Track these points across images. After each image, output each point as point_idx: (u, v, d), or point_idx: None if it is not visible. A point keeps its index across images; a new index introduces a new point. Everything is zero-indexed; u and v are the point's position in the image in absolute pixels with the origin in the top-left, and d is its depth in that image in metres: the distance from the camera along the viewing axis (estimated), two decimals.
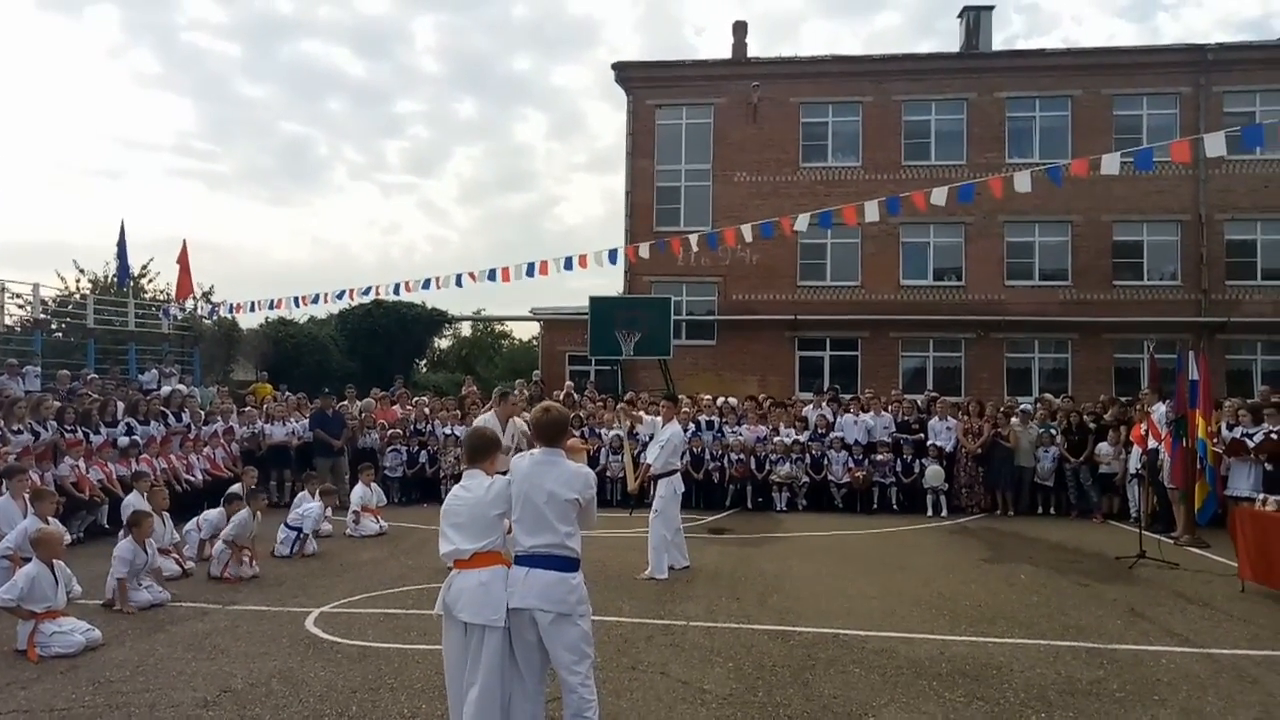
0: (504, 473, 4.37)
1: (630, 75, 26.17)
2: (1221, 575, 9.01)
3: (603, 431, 14.87)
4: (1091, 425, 13.64)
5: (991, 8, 26.70)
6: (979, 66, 25.26)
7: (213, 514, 9.37)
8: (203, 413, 14.39)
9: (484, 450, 4.42)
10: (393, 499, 14.14)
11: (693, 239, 14.02)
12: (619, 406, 15.25)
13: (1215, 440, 10.60)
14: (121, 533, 7.98)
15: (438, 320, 29.49)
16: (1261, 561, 8.01)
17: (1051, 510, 13.82)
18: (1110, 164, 9.42)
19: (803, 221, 11.97)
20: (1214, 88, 23.70)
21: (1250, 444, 10.64)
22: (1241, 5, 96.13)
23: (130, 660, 6.07)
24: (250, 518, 9.03)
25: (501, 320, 44.08)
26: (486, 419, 8.79)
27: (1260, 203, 23.50)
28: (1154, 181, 22.98)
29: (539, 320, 28.56)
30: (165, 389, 15.78)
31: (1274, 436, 10.55)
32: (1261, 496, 8.72)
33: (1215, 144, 8.87)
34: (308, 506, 10.39)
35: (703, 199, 25.67)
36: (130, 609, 7.36)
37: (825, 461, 14.21)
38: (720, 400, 16.18)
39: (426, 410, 15.90)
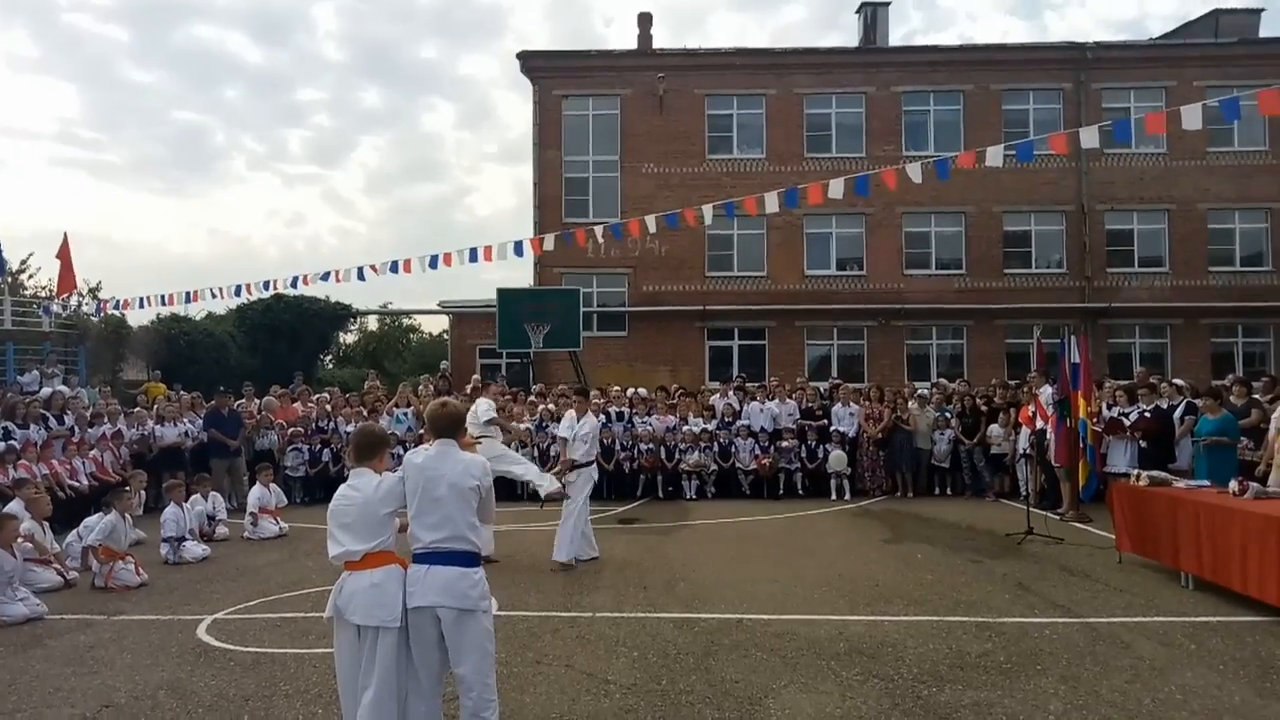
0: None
1: (536, 65, 25.95)
2: (1102, 548, 9.51)
3: (513, 425, 14.72)
4: (984, 408, 14.21)
5: (888, 4, 27.47)
6: (876, 61, 25.96)
7: (93, 520, 8.92)
8: (87, 414, 13.68)
9: (372, 448, 4.32)
10: (295, 499, 13.77)
11: (598, 230, 14.00)
12: (529, 400, 15.15)
13: (1095, 420, 11.18)
14: None
15: (342, 314, 28.76)
16: (1137, 533, 8.49)
17: (948, 491, 14.35)
18: (994, 156, 9.82)
19: (706, 213, 12.08)
20: (1093, 84, 24.97)
21: (1127, 423, 11.26)
22: (1119, 6, 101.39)
23: (1, 679, 5.73)
24: (119, 521, 8.63)
25: (409, 314, 43.27)
26: (487, 405, 9.62)
27: (1136, 194, 24.89)
28: (1040, 174, 24.11)
29: (448, 313, 28.13)
30: (46, 390, 14.95)
31: (1148, 415, 11.20)
32: (1136, 472, 9.22)
33: (1090, 137, 9.34)
34: (164, 514, 9.90)
35: (611, 190, 25.69)
36: None
37: (733, 449, 14.43)
38: (630, 391, 16.24)
39: (328, 407, 15.48)
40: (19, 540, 7.71)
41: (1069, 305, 24.71)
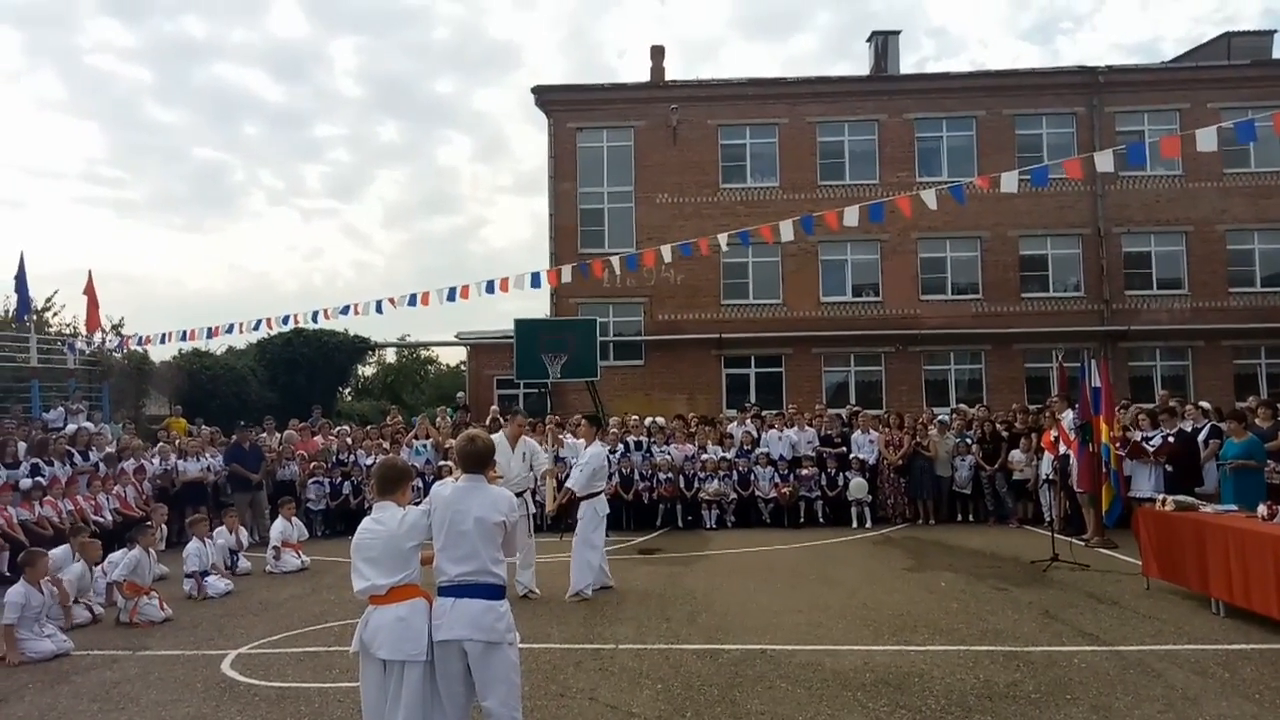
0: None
1: (550, 98, 26.25)
2: (1128, 574, 9.39)
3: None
4: (1004, 434, 14.11)
5: (898, 32, 27.71)
6: (888, 89, 26.09)
7: (118, 555, 8.98)
8: (113, 450, 13.82)
9: (395, 481, 4.35)
10: (315, 532, 13.81)
11: (614, 261, 14.07)
12: (548, 428, 15.15)
13: (1118, 444, 11.06)
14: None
15: (360, 347, 28.94)
16: (1164, 559, 8.38)
17: (970, 518, 14.22)
18: (1009, 181, 9.83)
19: (720, 242, 12.16)
20: (1106, 108, 24.97)
21: (1149, 448, 11.14)
22: (1131, 30, 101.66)
23: (30, 715, 5.76)
24: (143, 556, 8.68)
25: (426, 345, 43.45)
26: (496, 439, 9.00)
27: (1153, 216, 24.81)
28: (1056, 198, 24.08)
29: (465, 344, 28.28)
30: (71, 427, 15.13)
31: (1171, 439, 11.07)
32: (1161, 497, 9.12)
33: (1105, 161, 9.35)
34: (186, 549, 9.96)
35: (626, 221, 25.84)
36: (17, 659, 6.96)
37: (752, 478, 14.37)
38: (648, 420, 16.23)
39: (349, 440, 15.57)
40: (45, 578, 7.76)
41: (1088, 329, 24.55)
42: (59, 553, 8.80)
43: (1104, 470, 10.66)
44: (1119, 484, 10.77)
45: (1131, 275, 25.01)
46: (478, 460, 4.34)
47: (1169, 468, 11.03)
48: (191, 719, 5.57)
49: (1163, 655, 6.45)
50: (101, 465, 13.13)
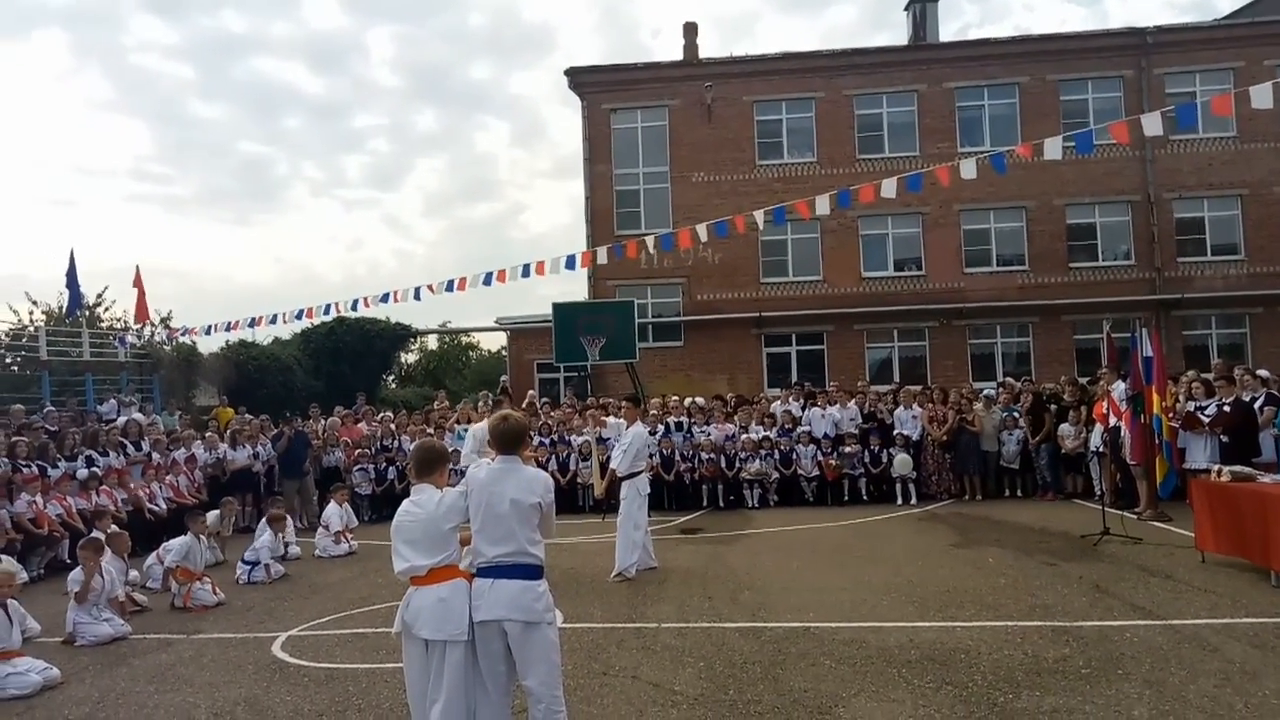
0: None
1: (583, 80, 26.15)
2: (1183, 547, 9.15)
3: (573, 438, 14.82)
4: (1051, 407, 13.82)
5: (937, 0, 27.07)
6: (927, 58, 25.56)
7: (174, 543, 9.19)
8: (164, 440, 14.16)
9: (433, 463, 4.37)
10: (362, 517, 14.02)
11: (649, 241, 14.00)
12: (590, 412, 15.21)
13: (1171, 415, 10.77)
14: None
15: (402, 335, 29.24)
16: (1220, 531, 8.15)
17: (1018, 492, 13.98)
18: (1052, 148, 9.56)
19: (756, 219, 12.02)
20: (1155, 70, 24.19)
21: (1204, 418, 10.82)
22: None
23: (90, 697, 5.94)
24: (195, 542, 8.87)
25: (467, 331, 43.74)
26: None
27: (1205, 180, 24.02)
28: (1103, 164, 23.42)
29: (505, 330, 28.43)
30: (123, 418, 15.52)
31: (1226, 409, 10.74)
32: (1217, 467, 8.86)
33: (1153, 124, 9.03)
34: (260, 539, 10.18)
35: (662, 201, 25.70)
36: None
37: (794, 456, 14.27)
38: (688, 400, 16.19)
39: (392, 426, 15.77)
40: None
41: (1139, 298, 23.89)
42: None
43: (1156, 442, 10.39)
44: (1172, 456, 10.50)
45: (1184, 241, 24.29)
46: (511, 440, 4.33)
47: (1224, 438, 10.71)
48: (244, 700, 5.69)
49: (1219, 629, 6.28)
50: (154, 455, 13.42)
